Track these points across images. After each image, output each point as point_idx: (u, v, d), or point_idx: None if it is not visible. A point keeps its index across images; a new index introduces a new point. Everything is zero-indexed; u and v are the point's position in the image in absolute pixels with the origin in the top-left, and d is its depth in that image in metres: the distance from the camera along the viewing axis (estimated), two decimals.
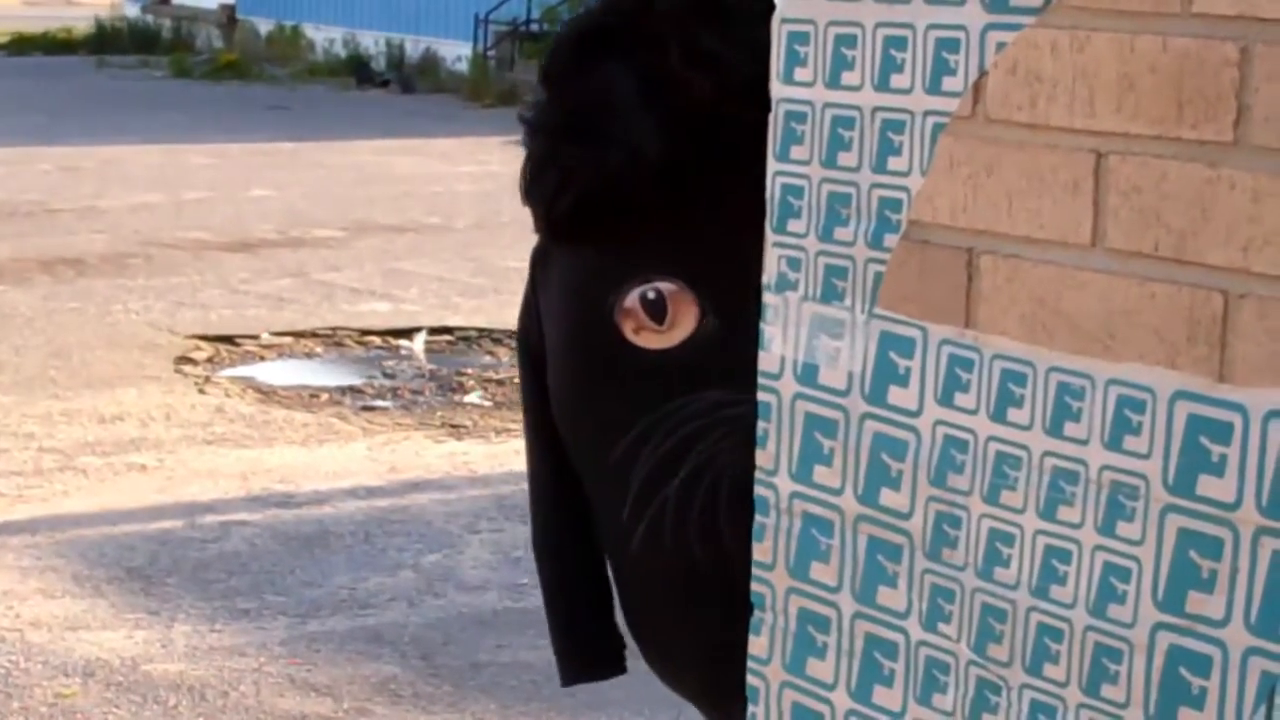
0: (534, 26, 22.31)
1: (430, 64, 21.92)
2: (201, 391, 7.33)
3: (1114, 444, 1.48)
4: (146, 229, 10.91)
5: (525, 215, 2.08)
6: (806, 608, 1.75)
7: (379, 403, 7.32)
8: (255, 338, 8.26)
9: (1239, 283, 1.39)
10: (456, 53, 21.59)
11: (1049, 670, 1.53)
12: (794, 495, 1.75)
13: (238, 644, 4.67)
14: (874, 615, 1.69)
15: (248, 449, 6.50)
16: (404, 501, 5.94)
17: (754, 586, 1.80)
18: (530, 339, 2.17)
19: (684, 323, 2.02)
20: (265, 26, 24.75)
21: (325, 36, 23.69)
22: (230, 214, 11.57)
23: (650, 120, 1.98)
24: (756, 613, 1.80)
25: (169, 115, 17.37)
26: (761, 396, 1.78)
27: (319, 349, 8.18)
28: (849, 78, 1.68)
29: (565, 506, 2.17)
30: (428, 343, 8.27)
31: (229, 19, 25.43)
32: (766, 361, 1.77)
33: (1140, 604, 1.46)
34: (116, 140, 15.04)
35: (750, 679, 1.81)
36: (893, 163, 1.64)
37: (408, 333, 8.42)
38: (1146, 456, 1.46)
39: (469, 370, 8.01)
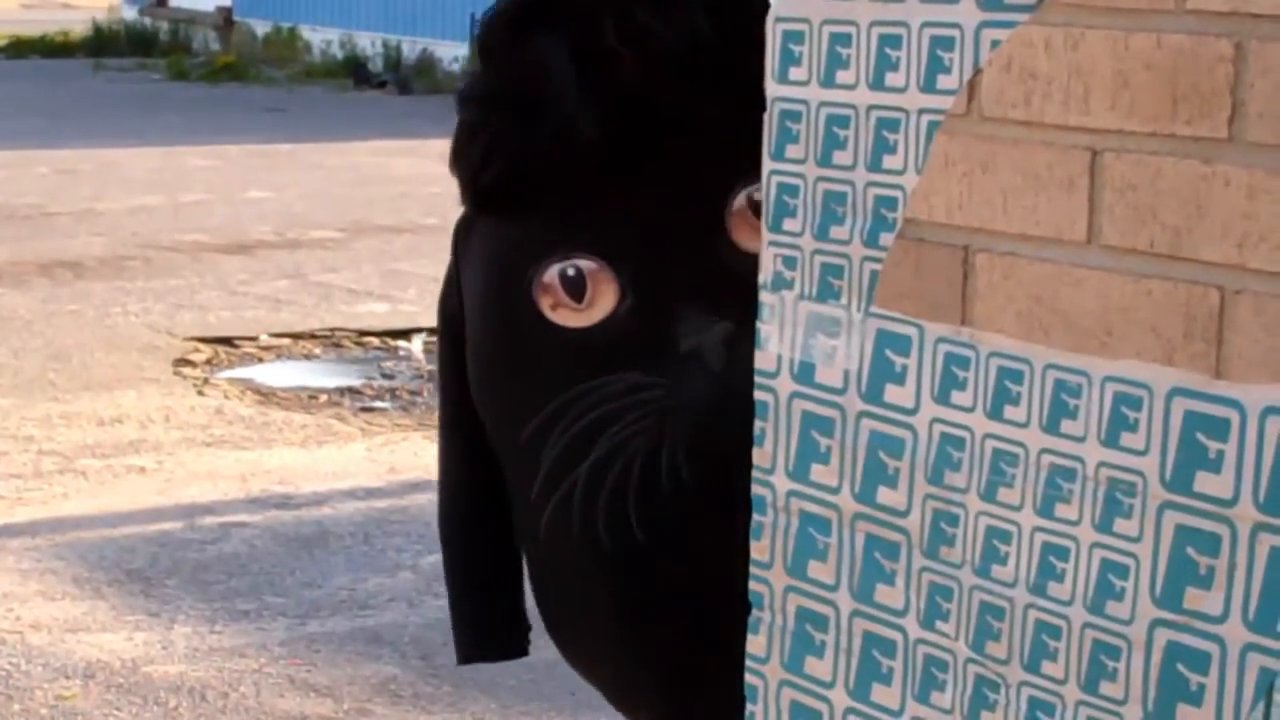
0: None
1: (427, 65, 21.91)
2: (200, 393, 7.32)
3: (1111, 441, 1.47)
4: (144, 231, 10.91)
5: None
6: (805, 606, 1.75)
7: (378, 404, 7.32)
8: (254, 339, 8.26)
9: (1235, 279, 1.39)
10: (453, 53, 21.58)
11: (1047, 668, 1.53)
12: (791, 494, 1.75)
13: (238, 645, 4.66)
14: (872, 613, 1.69)
15: (247, 451, 6.50)
16: (403, 502, 5.94)
17: (752, 585, 1.80)
18: (450, 312, 2.14)
19: (602, 302, 1.99)
20: (262, 28, 24.74)
21: (322, 38, 23.67)
22: (228, 216, 11.57)
23: (581, 95, 1.95)
24: (755, 611, 1.80)
25: (166, 118, 17.36)
26: (758, 395, 1.77)
27: (317, 350, 8.18)
28: (844, 76, 1.67)
29: (473, 487, 2.14)
30: (426, 343, 8.26)
31: (226, 21, 25.41)
32: (763, 360, 1.77)
33: (1138, 601, 1.46)
34: (114, 143, 15.03)
35: (749, 678, 1.81)
36: (888, 161, 1.64)
37: (406, 333, 8.41)
38: (1144, 453, 1.45)
39: None
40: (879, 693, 1.69)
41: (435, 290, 2.24)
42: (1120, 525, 1.47)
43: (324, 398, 7.35)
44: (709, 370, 1.95)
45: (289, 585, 5.14)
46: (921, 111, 1.60)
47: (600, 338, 1.99)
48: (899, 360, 1.64)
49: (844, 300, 1.68)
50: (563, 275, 1.99)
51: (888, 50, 1.63)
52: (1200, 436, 1.42)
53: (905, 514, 1.64)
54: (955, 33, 1.57)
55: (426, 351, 8.22)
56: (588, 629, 2.09)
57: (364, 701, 4.34)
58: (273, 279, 9.59)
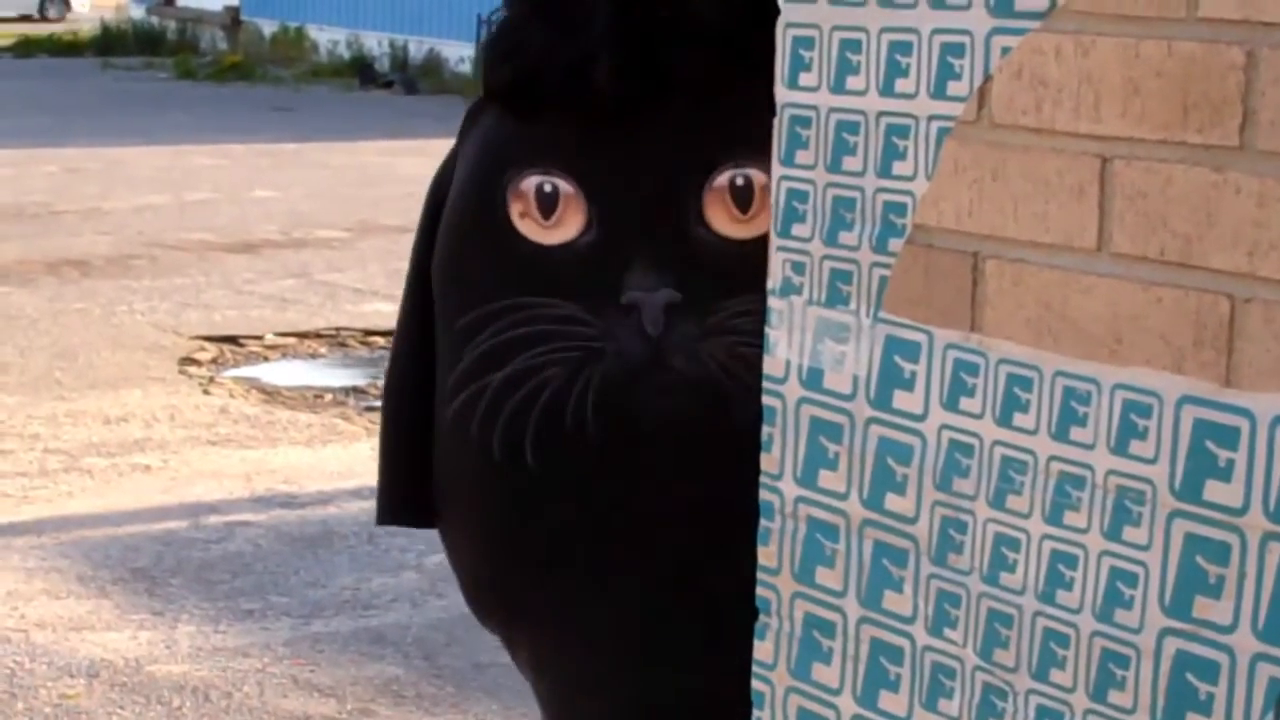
0: None
1: (433, 65, 21.91)
2: (205, 392, 7.32)
3: (1120, 449, 1.47)
4: (151, 230, 10.91)
5: None
6: (812, 612, 1.74)
7: None
8: (259, 338, 8.25)
9: (1245, 287, 1.39)
10: (460, 54, 21.58)
11: (1055, 676, 1.52)
12: (799, 500, 1.74)
13: (241, 645, 4.66)
14: (880, 620, 1.68)
15: (252, 450, 6.49)
16: None
17: (759, 591, 1.79)
18: (440, 184, 2.16)
19: (567, 226, 2.02)
20: (269, 28, 24.74)
21: (329, 38, 23.68)
22: (234, 215, 11.57)
23: (607, 36, 1.97)
24: (762, 617, 1.79)
25: (174, 116, 17.37)
26: (767, 401, 1.77)
27: (323, 349, 8.18)
28: (854, 82, 1.67)
29: (415, 358, 2.16)
30: None
31: (233, 21, 25.42)
32: (772, 366, 1.76)
33: (1147, 609, 1.46)
34: (121, 142, 15.03)
35: (755, 684, 1.81)
36: (898, 167, 1.63)
37: None
38: (1153, 461, 1.45)
39: None
40: (886, 700, 1.68)
41: None
42: (1129, 533, 1.47)
43: (329, 397, 7.35)
44: (643, 331, 1.97)
45: (293, 585, 5.13)
46: (932, 118, 1.60)
47: (553, 259, 2.01)
48: (908, 366, 1.64)
49: (853, 306, 1.68)
50: (539, 188, 2.02)
51: (898, 56, 1.63)
52: (1210, 445, 1.41)
53: (914, 521, 1.64)
54: (966, 39, 1.57)
55: None
56: (460, 522, 2.14)
57: (367, 702, 4.33)
58: (278, 278, 9.59)
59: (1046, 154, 1.51)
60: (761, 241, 1.87)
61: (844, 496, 1.70)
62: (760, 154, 1.89)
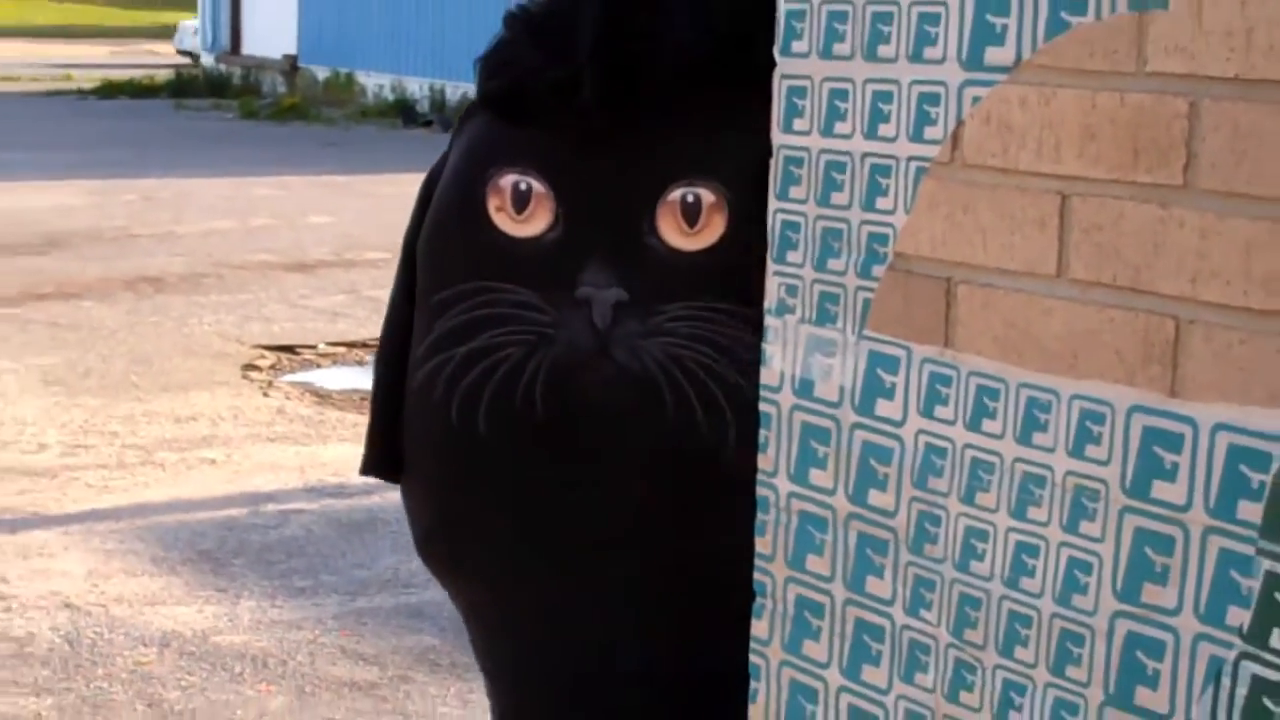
0: None
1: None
2: (265, 395, 7.32)
3: (1077, 452, 1.46)
4: (218, 252, 10.91)
5: None
6: (803, 595, 1.74)
7: None
8: (313, 347, 8.25)
9: (1189, 310, 1.38)
10: None
11: (1019, 653, 1.52)
12: (792, 495, 1.74)
13: (295, 618, 4.65)
14: (863, 602, 1.67)
15: (305, 445, 6.49)
16: None
17: (756, 576, 1.79)
18: (434, 179, 2.16)
19: (536, 222, 2.01)
20: (323, 74, 24.77)
21: (375, 82, 23.70)
22: (291, 238, 11.57)
23: (594, 59, 1.95)
24: (758, 599, 1.79)
25: (238, 151, 17.37)
26: (763, 408, 1.77)
27: (369, 357, 8.18)
28: (841, 127, 1.66)
29: (405, 328, 2.14)
30: None
31: (292, 67, 25.45)
32: (768, 376, 1.76)
33: (1101, 594, 1.45)
34: (192, 173, 15.03)
35: (752, 658, 1.80)
36: (880, 202, 1.63)
37: None
38: (1106, 463, 1.44)
39: None
40: (869, 673, 1.68)
41: None
42: (1085, 527, 1.46)
43: None
44: (592, 323, 1.96)
45: (341, 565, 5.13)
46: (911, 159, 1.59)
47: (520, 250, 2.01)
48: (888, 378, 1.63)
49: (840, 324, 1.67)
50: (515, 185, 2.01)
51: (880, 105, 1.62)
52: (1157, 449, 1.41)
53: (893, 514, 1.63)
54: (941, 89, 1.56)
55: None
56: (418, 478, 2.12)
57: (406, 669, 4.33)
58: (330, 294, 9.59)
59: (1012, 191, 1.51)
60: (705, 254, 1.88)
61: (832, 492, 1.70)
62: (711, 175, 1.89)
